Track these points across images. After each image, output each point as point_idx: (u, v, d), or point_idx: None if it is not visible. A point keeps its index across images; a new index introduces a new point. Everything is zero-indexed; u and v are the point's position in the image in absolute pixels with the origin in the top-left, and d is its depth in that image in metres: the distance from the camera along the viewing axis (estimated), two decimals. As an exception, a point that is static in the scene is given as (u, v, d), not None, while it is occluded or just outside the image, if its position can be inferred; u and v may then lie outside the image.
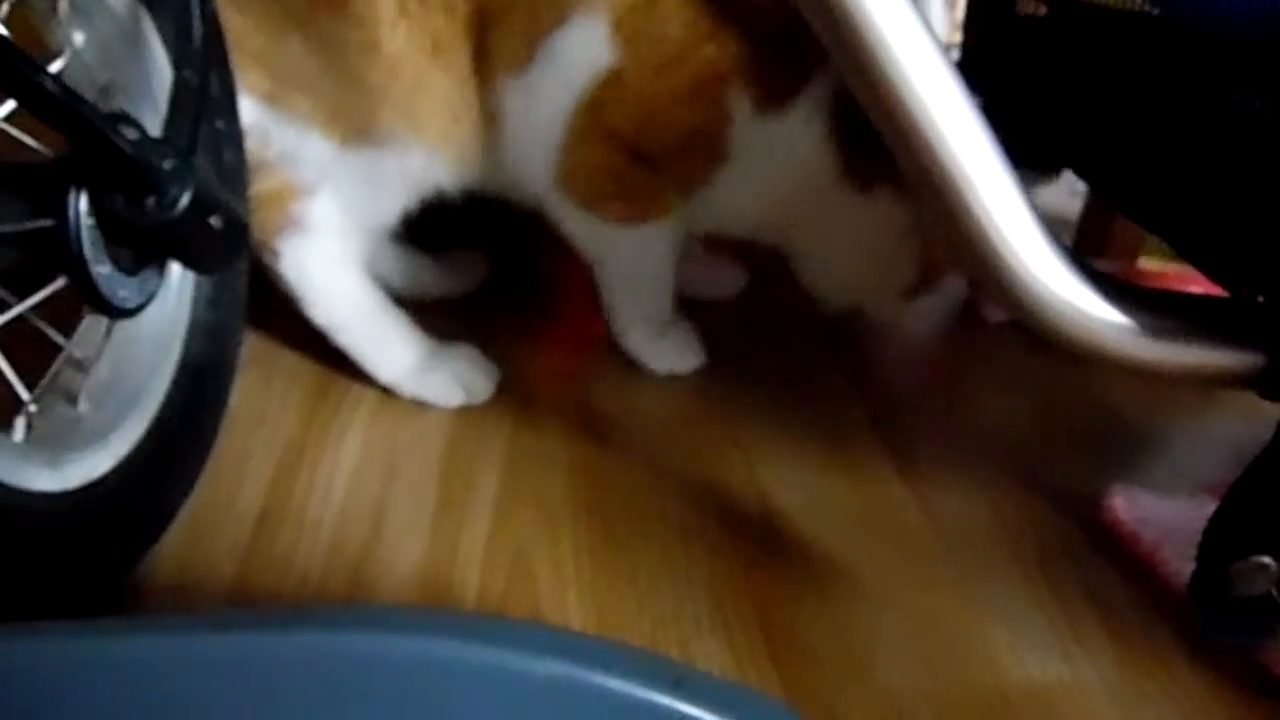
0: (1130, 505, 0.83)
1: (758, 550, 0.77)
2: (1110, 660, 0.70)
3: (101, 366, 0.66)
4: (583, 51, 0.81)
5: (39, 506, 0.56)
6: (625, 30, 0.81)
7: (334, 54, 0.80)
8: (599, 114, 0.84)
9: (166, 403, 0.68)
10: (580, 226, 0.91)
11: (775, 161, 0.87)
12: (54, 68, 0.63)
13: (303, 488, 0.79)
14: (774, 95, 0.84)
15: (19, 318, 0.59)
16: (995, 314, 1.11)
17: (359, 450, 0.84)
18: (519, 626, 0.58)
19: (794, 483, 0.85)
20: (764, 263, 1.00)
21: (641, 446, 0.88)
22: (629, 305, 0.97)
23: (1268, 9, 0.60)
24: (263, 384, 0.90)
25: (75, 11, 0.65)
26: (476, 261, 1.09)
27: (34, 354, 0.61)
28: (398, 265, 1.02)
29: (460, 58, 0.82)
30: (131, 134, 0.56)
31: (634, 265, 0.95)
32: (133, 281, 0.59)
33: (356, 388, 0.91)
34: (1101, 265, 0.76)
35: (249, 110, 0.79)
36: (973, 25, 0.92)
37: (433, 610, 0.68)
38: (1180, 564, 0.73)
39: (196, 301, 0.72)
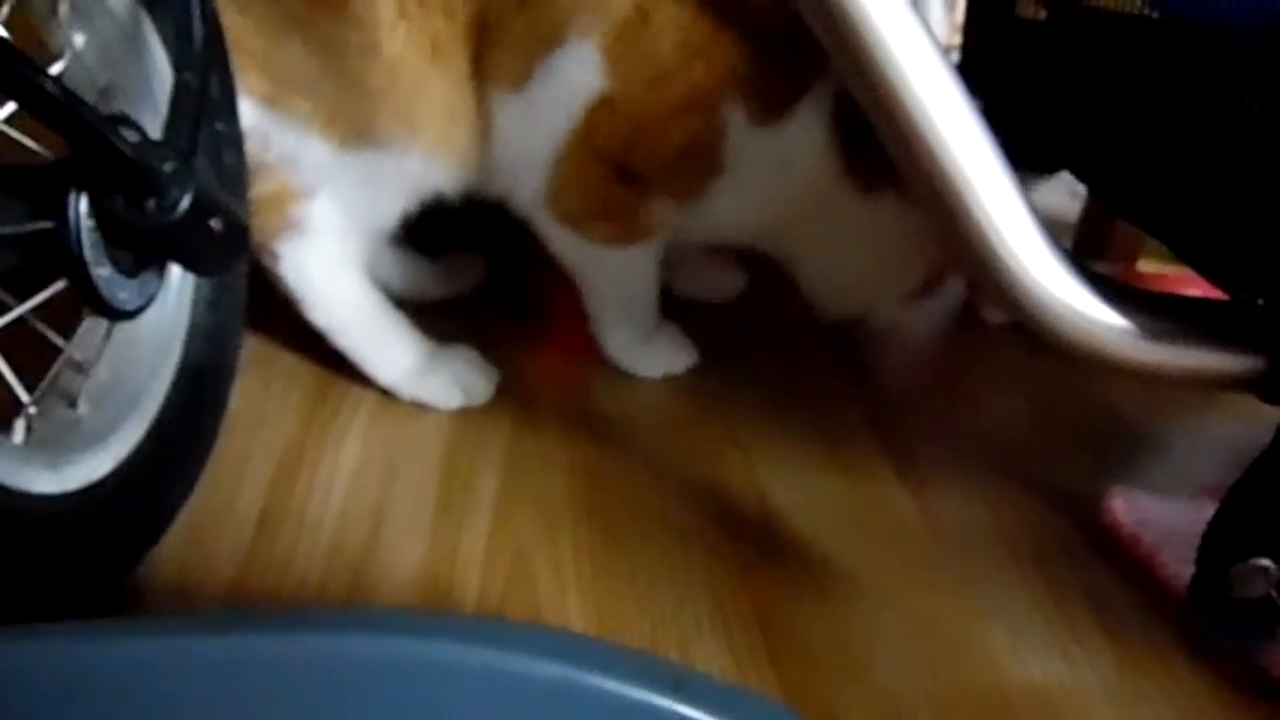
0: (1130, 507, 0.83)
1: (757, 551, 0.77)
2: (1109, 661, 0.70)
3: (101, 368, 0.66)
4: (576, 74, 0.82)
5: (39, 508, 0.55)
6: (616, 53, 0.81)
7: (333, 56, 0.80)
8: (590, 136, 0.84)
9: (166, 405, 0.68)
10: (566, 244, 0.92)
11: (773, 171, 0.87)
12: (54, 70, 0.63)
13: (302, 489, 0.79)
14: (771, 108, 0.84)
15: (19, 319, 0.58)
16: (995, 315, 1.11)
17: (359, 452, 0.84)
18: (519, 628, 0.58)
19: (793, 483, 0.85)
20: (763, 264, 1.00)
21: (641, 448, 0.88)
22: (613, 317, 0.97)
23: (1266, 12, 0.60)
24: (262, 386, 0.90)
25: (75, 13, 0.65)
26: (475, 264, 1.09)
27: (34, 356, 0.61)
28: (397, 267, 1.02)
29: (459, 61, 0.82)
30: (132, 136, 0.56)
31: (618, 283, 0.96)
32: (133, 284, 0.59)
33: (356, 390, 0.91)
34: (1101, 268, 0.76)
35: (249, 113, 0.79)
36: (972, 28, 0.92)
37: (433, 612, 0.68)
38: (1180, 566, 0.74)
39: (196, 304, 0.72)
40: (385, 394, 0.91)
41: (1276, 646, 0.68)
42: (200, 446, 0.74)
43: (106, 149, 0.54)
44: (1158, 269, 1.22)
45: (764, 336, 1.09)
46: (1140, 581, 0.77)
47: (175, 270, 0.68)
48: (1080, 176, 0.86)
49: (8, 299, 0.59)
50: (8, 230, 0.54)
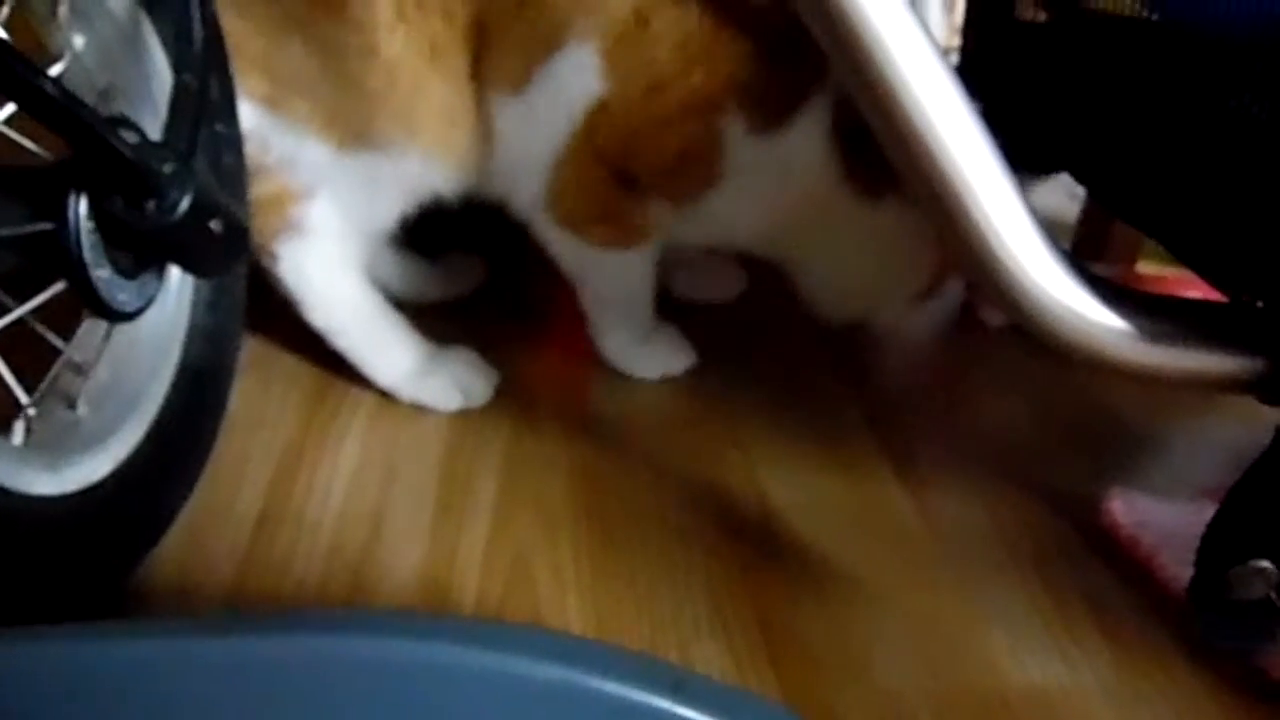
0: (1129, 509, 0.83)
1: (757, 552, 0.77)
2: (1108, 663, 0.70)
3: (101, 370, 0.66)
4: (575, 78, 0.82)
5: (38, 510, 0.55)
6: (614, 58, 0.81)
7: (332, 58, 0.80)
8: (589, 140, 0.84)
9: (165, 406, 0.68)
10: (564, 246, 0.92)
11: (772, 178, 0.86)
12: (54, 71, 0.63)
13: (302, 491, 0.79)
14: (771, 116, 0.84)
15: (18, 321, 0.58)
16: (994, 317, 1.11)
17: (358, 454, 0.84)
18: (518, 630, 0.58)
19: (793, 484, 0.85)
20: (762, 265, 1.00)
21: (641, 449, 0.88)
22: (610, 319, 0.97)
23: (1266, 14, 0.60)
24: (261, 387, 0.90)
25: (75, 15, 0.65)
26: (475, 265, 1.10)
27: (33, 357, 0.61)
28: (396, 269, 1.02)
29: (458, 63, 0.82)
30: (131, 137, 0.56)
31: (615, 285, 0.96)
32: (132, 285, 0.59)
33: (355, 391, 0.91)
34: (1100, 269, 0.76)
35: (248, 114, 0.79)
36: (971, 30, 0.92)
37: (432, 614, 0.68)
38: (1179, 568, 0.74)
39: (195, 305, 0.72)
40: (384, 395, 0.91)
41: (1276, 648, 0.68)
42: (199, 448, 0.74)
43: (106, 150, 0.54)
44: (1157, 271, 1.22)
45: (763, 337, 1.09)
46: (1139, 583, 0.77)
47: (175, 272, 0.68)
48: (1079, 178, 0.86)
49: (7, 300, 0.59)
50: (7, 232, 0.54)
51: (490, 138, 0.86)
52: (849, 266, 0.94)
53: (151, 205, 0.56)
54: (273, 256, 0.87)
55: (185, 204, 0.57)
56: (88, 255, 0.55)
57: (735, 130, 0.84)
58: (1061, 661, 0.70)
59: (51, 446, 0.59)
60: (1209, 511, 0.66)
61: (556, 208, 0.89)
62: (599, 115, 0.83)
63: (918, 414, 1.00)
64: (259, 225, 0.83)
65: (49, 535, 0.56)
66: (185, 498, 0.71)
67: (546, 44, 0.81)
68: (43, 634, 0.45)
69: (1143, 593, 0.76)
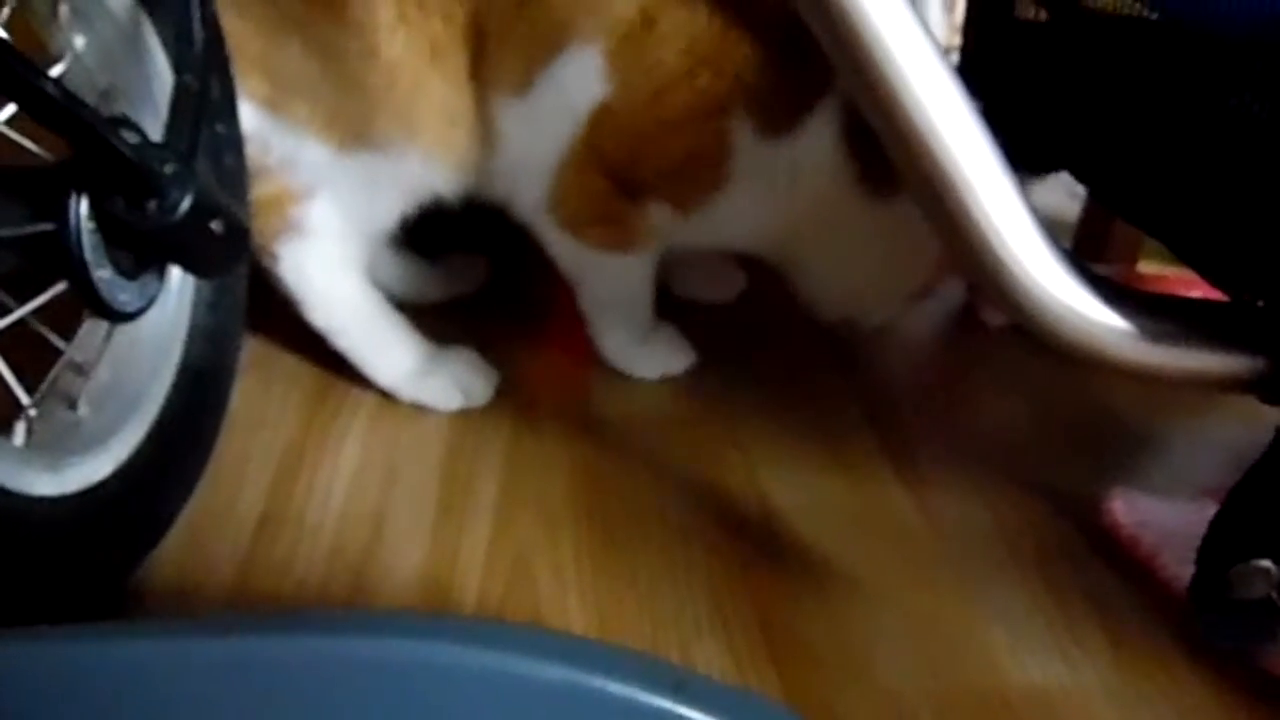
0: (1130, 508, 0.83)
1: (757, 551, 0.77)
2: (1109, 662, 0.70)
3: (101, 370, 0.66)
4: (579, 81, 0.81)
5: (39, 511, 0.56)
6: (618, 60, 0.80)
7: (332, 59, 0.80)
8: (593, 144, 0.84)
9: (166, 406, 0.68)
10: (564, 248, 0.92)
11: (781, 182, 0.86)
12: (55, 72, 0.63)
13: (302, 491, 0.79)
14: (780, 120, 0.83)
15: (19, 321, 0.59)
16: (994, 317, 1.11)
17: (359, 454, 0.84)
18: (520, 631, 0.58)
19: (793, 484, 0.85)
20: (762, 265, 1.00)
21: (641, 449, 0.88)
22: (609, 319, 0.97)
23: (1266, 13, 0.60)
24: (262, 387, 0.90)
25: (76, 16, 0.65)
26: (476, 265, 1.10)
27: (34, 358, 0.62)
28: (397, 269, 1.03)
29: (458, 63, 0.82)
30: (132, 138, 0.56)
31: (615, 288, 0.96)
32: (133, 285, 0.59)
33: (356, 391, 0.91)
34: (1101, 269, 0.76)
35: (248, 116, 0.79)
36: (971, 29, 0.92)
37: (433, 614, 0.68)
38: (1180, 567, 0.74)
39: (196, 305, 0.72)
40: (385, 396, 0.91)
41: (1277, 648, 0.67)
42: (200, 448, 0.74)
43: (107, 151, 0.54)
44: (1157, 270, 1.22)
45: (764, 337, 1.09)
46: (1140, 583, 0.77)
47: (175, 272, 0.68)
48: (1080, 177, 0.86)
49: (8, 301, 0.59)
50: (8, 232, 0.54)
51: (491, 139, 0.86)
52: (851, 265, 0.94)
53: (152, 206, 0.56)
54: (273, 257, 0.87)
55: (186, 204, 0.57)
56: (89, 256, 0.55)
57: (743, 133, 0.83)
58: (1062, 661, 0.70)
59: (52, 447, 0.59)
60: (1210, 511, 0.66)
61: (558, 210, 0.89)
62: (603, 118, 0.82)
63: (918, 413, 1.00)
64: (260, 226, 0.84)
65: (50, 536, 0.56)
66: (186, 498, 0.71)
67: (549, 46, 0.81)
68: (43, 635, 0.45)
69: (1144, 592, 0.76)
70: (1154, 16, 0.68)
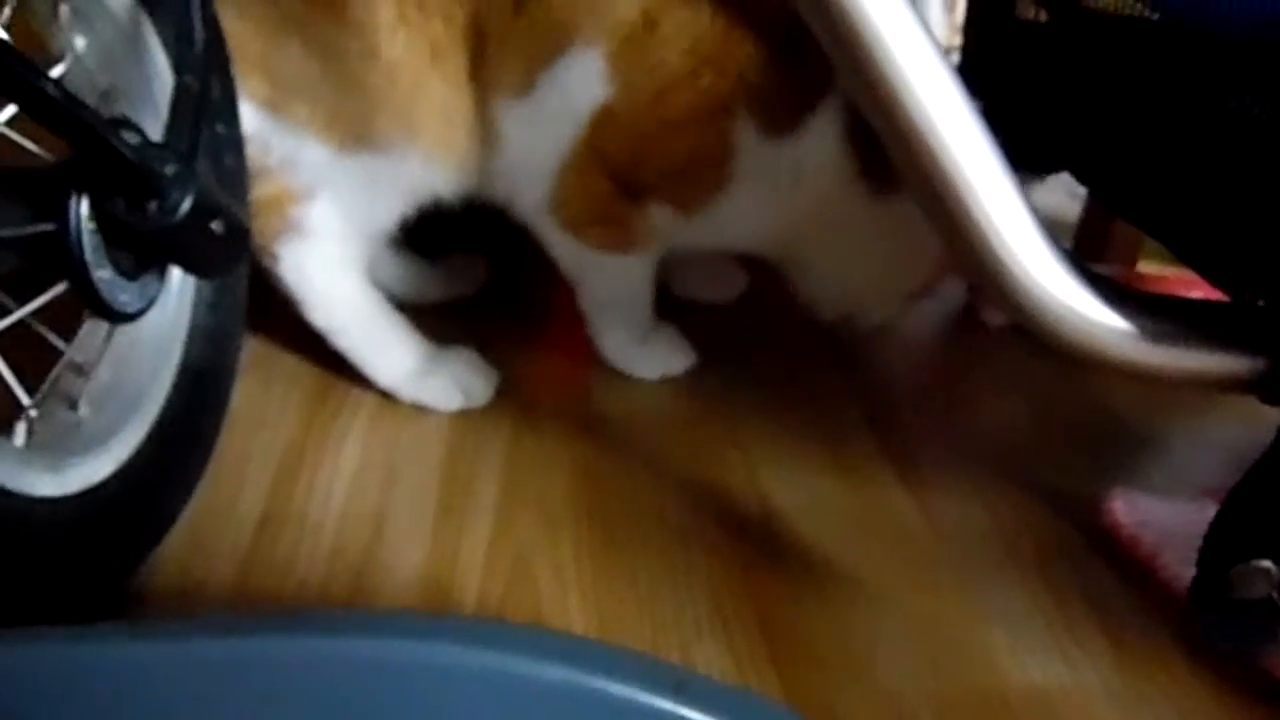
0: (1130, 509, 0.83)
1: (758, 552, 0.77)
2: (1110, 663, 0.70)
3: (102, 371, 0.66)
4: (581, 84, 0.81)
5: (40, 511, 0.55)
6: (621, 62, 0.80)
7: (333, 60, 0.80)
8: (595, 144, 0.84)
9: (167, 407, 0.68)
10: (565, 248, 0.92)
11: (784, 182, 0.86)
12: (55, 72, 0.63)
13: (303, 491, 0.79)
14: (784, 120, 0.83)
15: (20, 322, 0.59)
16: (995, 317, 1.11)
17: (359, 454, 0.84)
18: (520, 631, 0.58)
19: (793, 484, 0.85)
20: (763, 265, 1.00)
21: (641, 449, 0.88)
22: (608, 319, 0.97)
23: (1267, 14, 0.60)
24: (263, 387, 0.90)
25: (76, 16, 0.65)
26: (476, 266, 1.10)
27: (35, 358, 0.62)
28: (398, 270, 1.03)
29: (458, 64, 0.82)
30: (132, 139, 0.56)
31: (615, 288, 0.96)
32: (133, 286, 0.59)
33: (356, 391, 0.91)
34: (1101, 269, 0.76)
35: (249, 116, 0.79)
36: (972, 29, 0.92)
37: (433, 614, 0.68)
38: (1180, 568, 0.74)
39: (197, 306, 0.72)
40: (385, 396, 0.91)
41: (1278, 648, 0.67)
42: (201, 448, 0.74)
43: (107, 152, 0.54)
44: (1158, 270, 1.22)
45: (764, 337, 1.09)
46: (1141, 583, 0.77)
47: (176, 273, 0.68)
48: (1080, 178, 0.86)
49: (8, 301, 0.59)
50: (9, 233, 0.54)
51: (492, 140, 0.86)
52: (852, 264, 0.94)
53: (153, 206, 0.56)
54: (274, 257, 0.87)
55: (186, 205, 0.57)
56: (89, 256, 0.55)
57: (746, 134, 0.83)
58: (1063, 662, 0.70)
59: (53, 447, 0.59)
60: (1210, 511, 0.66)
61: (559, 211, 0.89)
62: (604, 120, 0.82)
63: (919, 414, 1.00)
64: (260, 226, 0.84)
65: (51, 536, 0.56)
66: (186, 498, 0.71)
67: (550, 49, 0.81)
68: (44, 635, 0.45)
69: (1144, 593, 0.76)
70: (1155, 17, 0.68)
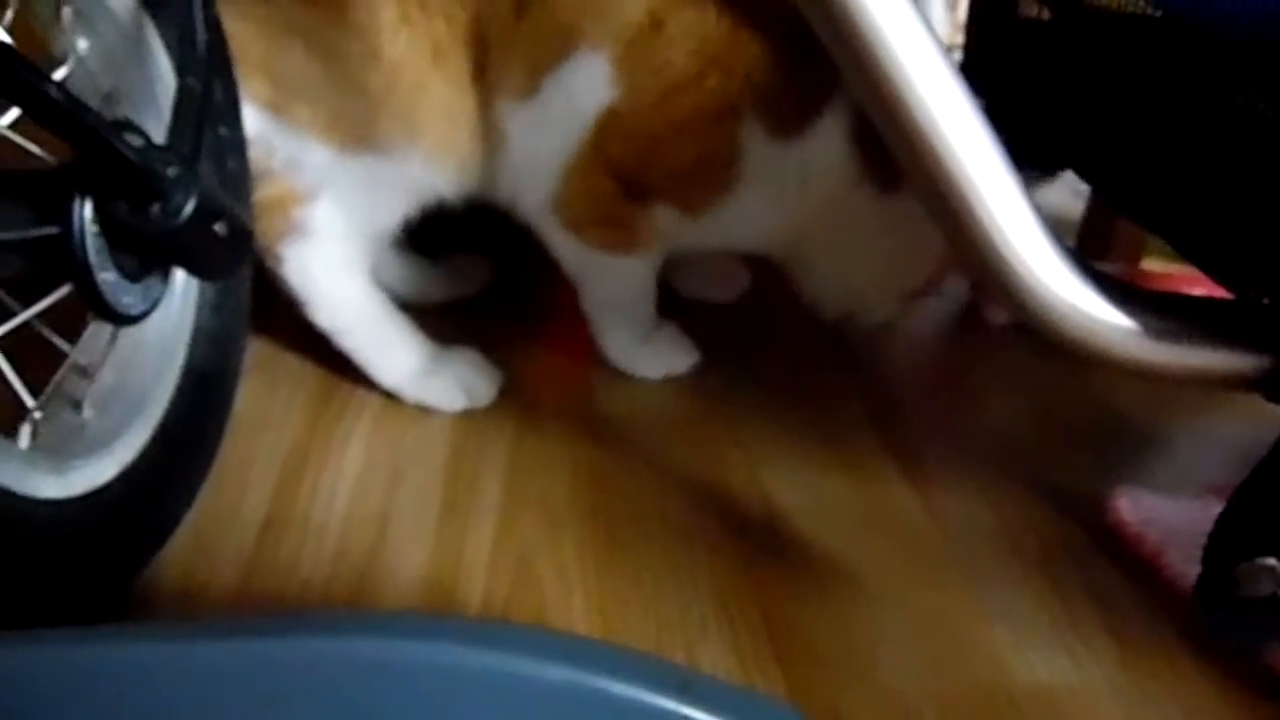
0: (1135, 506, 0.83)
1: (761, 551, 0.77)
2: (1114, 661, 0.70)
3: (106, 373, 0.66)
4: (586, 86, 0.81)
5: (44, 513, 0.56)
6: (626, 64, 0.80)
7: (335, 61, 0.80)
8: (600, 146, 0.84)
9: (171, 409, 0.68)
10: (568, 248, 0.92)
11: (790, 183, 0.86)
12: (58, 75, 0.63)
13: (307, 493, 0.79)
14: (791, 121, 0.83)
15: (24, 325, 0.59)
16: (998, 315, 1.11)
17: (363, 455, 0.84)
18: (524, 631, 0.58)
19: (796, 483, 0.85)
20: (765, 264, 1.00)
21: (645, 449, 0.88)
22: (610, 319, 0.97)
23: (1270, 10, 0.60)
24: (267, 389, 0.90)
25: (79, 19, 0.65)
26: (479, 266, 1.10)
27: (39, 361, 0.62)
28: (401, 270, 1.03)
29: (460, 65, 0.82)
30: (135, 141, 0.56)
31: (617, 289, 0.96)
32: (137, 288, 0.60)
33: (360, 392, 0.91)
34: (1105, 267, 0.76)
35: (251, 118, 0.79)
36: (974, 27, 0.91)
37: (437, 615, 0.68)
38: (1185, 566, 0.73)
39: (200, 307, 0.72)
40: (389, 396, 0.91)
41: (1283, 646, 0.67)
42: (205, 450, 0.74)
43: (110, 154, 0.54)
44: (1162, 268, 1.21)
45: (767, 336, 1.09)
46: (1146, 581, 0.77)
47: (179, 275, 0.68)
48: (1084, 175, 0.86)
49: (12, 304, 0.59)
50: (12, 235, 0.54)
51: (495, 141, 0.86)
52: (855, 262, 0.94)
53: (156, 209, 0.56)
54: (278, 258, 0.87)
55: (190, 207, 0.57)
56: (93, 259, 0.55)
57: (753, 136, 0.83)
58: (1068, 660, 0.70)
59: (57, 450, 0.60)
60: (1215, 509, 0.66)
61: (563, 212, 0.89)
62: (610, 123, 0.82)
63: (922, 412, 1.00)
64: (264, 227, 0.84)
65: (55, 538, 0.56)
66: (191, 500, 0.72)
67: (555, 52, 0.81)
68: (47, 637, 0.45)
69: (1149, 591, 0.76)
70: (1158, 14, 0.68)
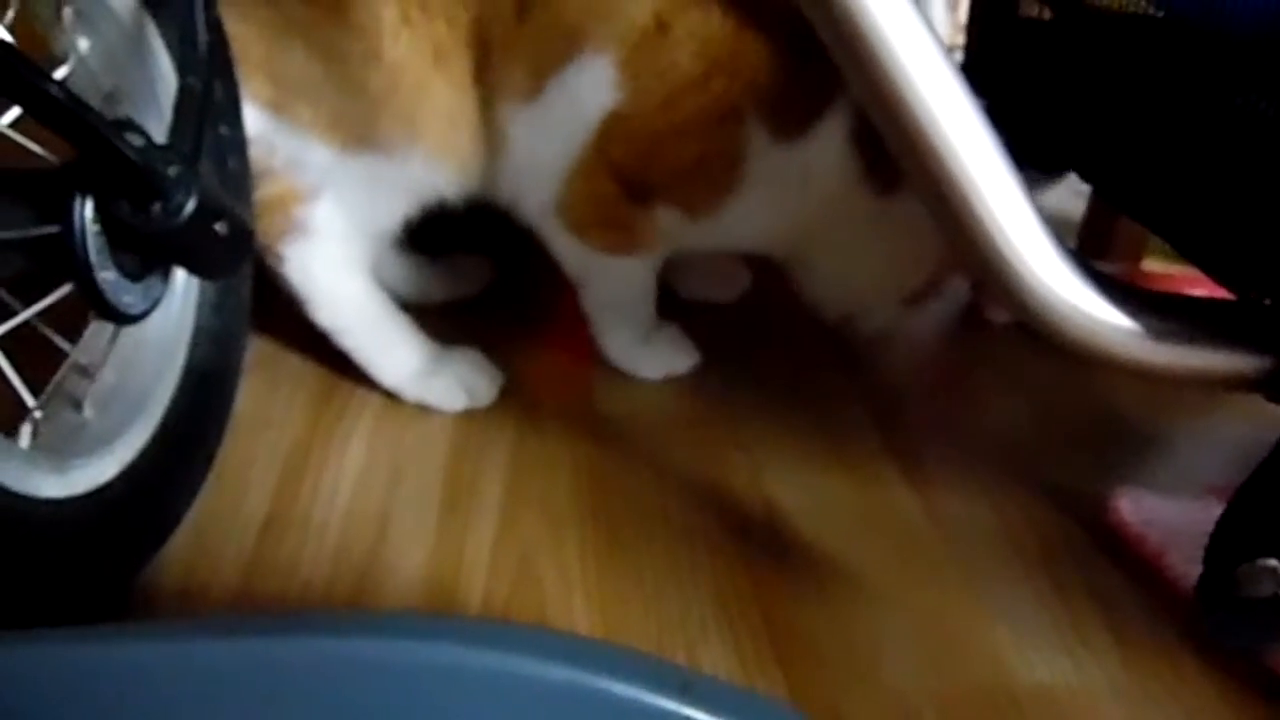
0: (1136, 507, 0.83)
1: (762, 552, 0.77)
2: (1116, 661, 0.70)
3: (107, 372, 0.66)
4: (590, 89, 0.81)
5: (45, 513, 0.56)
6: (631, 67, 0.80)
7: (336, 61, 0.80)
8: (604, 148, 0.84)
9: (171, 408, 0.68)
10: (569, 249, 0.92)
11: (792, 185, 0.86)
12: (59, 74, 0.63)
13: (308, 492, 0.79)
14: (794, 123, 0.83)
15: (25, 324, 0.59)
16: (999, 316, 1.11)
17: (364, 455, 0.84)
18: (525, 631, 0.58)
19: (798, 484, 0.85)
20: (766, 265, 1.00)
21: (645, 449, 0.88)
22: (611, 319, 0.97)
23: (1271, 10, 0.60)
24: (268, 388, 0.90)
25: (80, 18, 0.65)
26: (481, 265, 1.10)
27: (40, 360, 0.62)
28: (402, 270, 1.03)
29: (461, 66, 0.82)
30: (136, 140, 0.56)
31: (618, 290, 0.96)
32: (138, 287, 0.60)
33: (361, 392, 0.91)
34: (1105, 267, 0.76)
35: (253, 118, 0.79)
36: (975, 28, 0.92)
37: (438, 615, 0.68)
38: (1187, 566, 0.73)
39: (201, 307, 0.72)
40: (390, 396, 0.91)
41: (1284, 646, 0.67)
42: (206, 450, 0.74)
43: (111, 153, 0.54)
44: (1163, 268, 1.21)
45: (768, 337, 1.09)
46: (1147, 581, 0.77)
47: (180, 274, 0.68)
48: (1085, 176, 0.86)
49: (13, 303, 0.59)
50: (13, 235, 0.54)
51: (497, 142, 0.86)
52: (856, 262, 0.94)
53: (157, 208, 0.56)
54: (279, 258, 0.87)
55: (190, 206, 0.57)
56: (93, 258, 0.55)
57: (757, 138, 0.83)
58: (1069, 660, 0.70)
59: (58, 449, 0.60)
60: (1216, 509, 0.66)
61: (566, 214, 0.89)
62: (614, 125, 0.82)
63: (923, 413, 1.00)
64: (265, 227, 0.84)
65: (56, 538, 0.56)
66: (191, 500, 0.72)
67: (559, 54, 0.81)
68: (48, 636, 0.45)
69: (1150, 591, 0.76)
70: (1159, 14, 0.68)
